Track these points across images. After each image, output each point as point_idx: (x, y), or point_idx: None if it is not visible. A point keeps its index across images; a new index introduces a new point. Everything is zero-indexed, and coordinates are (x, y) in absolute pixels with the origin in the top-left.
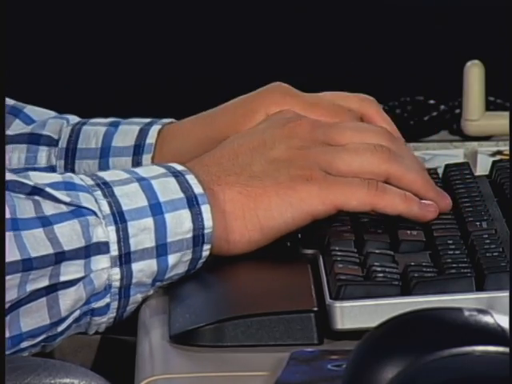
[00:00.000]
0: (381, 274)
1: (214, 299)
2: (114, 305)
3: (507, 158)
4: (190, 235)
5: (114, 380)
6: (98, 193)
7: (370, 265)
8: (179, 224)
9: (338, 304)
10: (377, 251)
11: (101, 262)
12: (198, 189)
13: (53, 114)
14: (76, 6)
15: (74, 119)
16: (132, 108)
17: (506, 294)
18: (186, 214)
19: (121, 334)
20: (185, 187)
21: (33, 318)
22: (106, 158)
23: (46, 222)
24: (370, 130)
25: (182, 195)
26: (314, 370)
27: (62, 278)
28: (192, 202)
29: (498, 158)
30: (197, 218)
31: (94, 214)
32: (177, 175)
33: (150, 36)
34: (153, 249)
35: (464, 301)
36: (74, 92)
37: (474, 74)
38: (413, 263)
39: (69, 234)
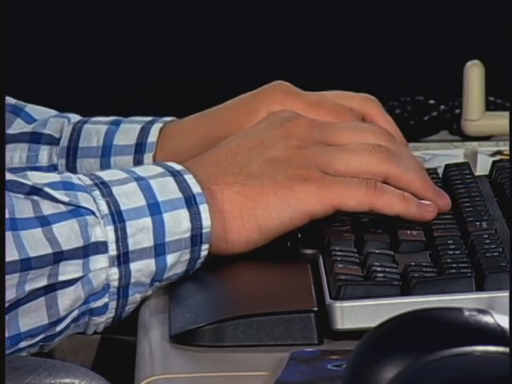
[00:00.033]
0: (381, 274)
1: (214, 299)
2: (113, 305)
3: (507, 157)
4: (188, 235)
5: (114, 380)
6: (97, 192)
7: (369, 265)
8: (177, 224)
9: (338, 304)
10: (377, 251)
11: (99, 262)
12: (196, 188)
13: (54, 112)
14: (77, 5)
15: (75, 118)
16: (132, 107)
17: (506, 294)
18: (184, 214)
19: (121, 334)
20: (183, 187)
21: (31, 317)
22: (107, 156)
23: (44, 221)
24: (368, 130)
25: (180, 195)
26: (313, 370)
27: (61, 278)
28: (190, 202)
29: (498, 157)
30: (195, 217)
31: (93, 213)
32: (175, 175)
33: (151, 35)
34: (151, 248)
35: (464, 301)
36: (75, 91)
37: (474, 74)
38: (413, 263)
39: (67, 234)
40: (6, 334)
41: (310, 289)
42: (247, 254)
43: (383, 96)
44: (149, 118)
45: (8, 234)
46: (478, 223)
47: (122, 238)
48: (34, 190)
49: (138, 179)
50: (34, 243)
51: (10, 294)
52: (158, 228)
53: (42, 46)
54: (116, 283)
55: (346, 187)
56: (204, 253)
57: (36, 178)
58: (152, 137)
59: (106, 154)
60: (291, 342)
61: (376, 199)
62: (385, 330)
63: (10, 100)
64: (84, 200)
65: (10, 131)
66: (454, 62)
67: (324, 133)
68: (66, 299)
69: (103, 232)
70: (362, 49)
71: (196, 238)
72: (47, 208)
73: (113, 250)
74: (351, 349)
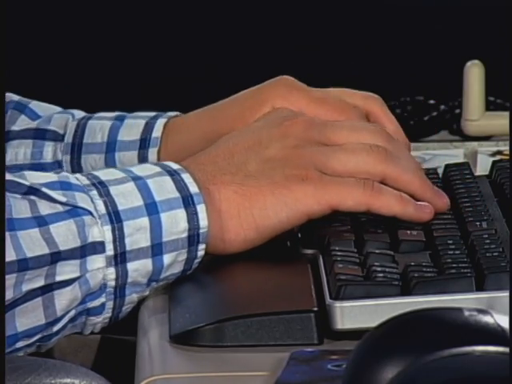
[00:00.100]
0: (381, 274)
1: (214, 299)
2: (110, 304)
3: (507, 157)
4: (185, 235)
5: (114, 380)
6: (94, 192)
7: (370, 265)
8: (175, 224)
9: (338, 304)
10: (377, 251)
11: (96, 262)
12: (193, 188)
13: (58, 109)
14: (83, 4)
15: (79, 114)
16: (136, 104)
17: (506, 294)
18: (181, 214)
19: (121, 334)
20: (180, 186)
21: (28, 317)
22: (111, 152)
23: (41, 221)
24: (366, 130)
25: (177, 194)
26: (314, 370)
27: (58, 278)
28: (188, 202)
29: (498, 157)
30: (192, 217)
31: (90, 213)
32: (172, 174)
33: (153, 32)
34: (148, 248)
35: (464, 301)
36: (78, 90)
37: (474, 74)
38: (413, 263)
39: (64, 234)
40: None
41: (310, 289)
42: (247, 254)
43: (383, 96)
44: (153, 114)
45: (5, 235)
46: (478, 223)
47: (119, 237)
48: (32, 190)
49: (136, 179)
50: (31, 243)
51: (8, 295)
52: (156, 228)
53: (46, 45)
54: (113, 283)
55: (343, 187)
56: (201, 253)
57: (33, 177)
58: (156, 132)
59: (110, 149)
60: (291, 342)
61: (373, 200)
62: (385, 330)
63: (13, 97)
64: (81, 200)
65: (14, 128)
66: (454, 62)
67: (322, 132)
68: (62, 299)
69: (100, 232)
70: (362, 49)
71: (193, 238)
72: (44, 208)
73: (110, 250)
74: (351, 349)
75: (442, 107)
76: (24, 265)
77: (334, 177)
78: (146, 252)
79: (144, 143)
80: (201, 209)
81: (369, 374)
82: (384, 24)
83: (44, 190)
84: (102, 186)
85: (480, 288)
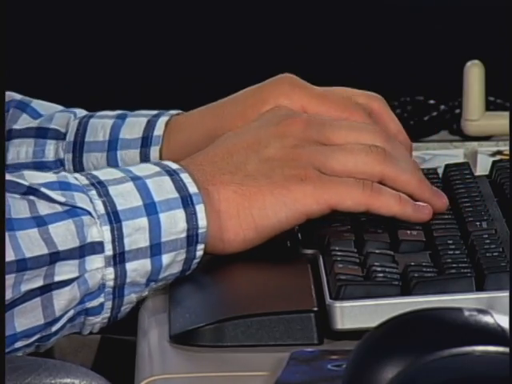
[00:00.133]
0: (381, 274)
1: (214, 299)
2: (108, 305)
3: (507, 157)
4: (184, 235)
5: (114, 380)
6: (93, 192)
7: (370, 265)
8: (174, 224)
9: (338, 304)
10: (377, 251)
11: (95, 262)
12: (192, 188)
13: (60, 107)
14: (84, 4)
15: (81, 112)
16: (137, 104)
17: (506, 294)
18: (180, 214)
19: (121, 334)
20: (179, 186)
21: (27, 317)
22: (113, 150)
23: (40, 221)
24: (364, 129)
25: (176, 195)
26: (314, 370)
27: (57, 278)
28: (186, 202)
29: (498, 157)
30: (191, 217)
31: (89, 213)
32: (171, 174)
33: (154, 32)
34: (147, 248)
35: (464, 301)
36: (78, 90)
37: (474, 74)
38: (413, 263)
39: (63, 234)
40: None
41: (310, 289)
42: (247, 254)
43: (383, 96)
44: (155, 112)
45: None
46: (478, 223)
47: (118, 238)
48: (31, 190)
49: (135, 179)
50: (30, 243)
51: (6, 295)
52: (155, 228)
53: (47, 44)
54: (111, 283)
55: (343, 187)
56: (200, 253)
57: (32, 177)
58: (158, 130)
59: (112, 148)
60: (291, 342)
61: (372, 200)
62: (385, 330)
63: (15, 96)
64: (80, 200)
65: (16, 126)
66: (454, 61)
67: (320, 132)
68: (61, 299)
69: (99, 232)
70: (362, 49)
71: (192, 238)
72: (43, 208)
73: (109, 250)
74: (351, 349)
75: (442, 107)
76: (23, 265)
77: (334, 177)
78: (145, 252)
79: (146, 141)
80: (200, 209)
81: (369, 374)
82: (384, 24)
83: (43, 190)
84: (101, 186)
85: (480, 288)
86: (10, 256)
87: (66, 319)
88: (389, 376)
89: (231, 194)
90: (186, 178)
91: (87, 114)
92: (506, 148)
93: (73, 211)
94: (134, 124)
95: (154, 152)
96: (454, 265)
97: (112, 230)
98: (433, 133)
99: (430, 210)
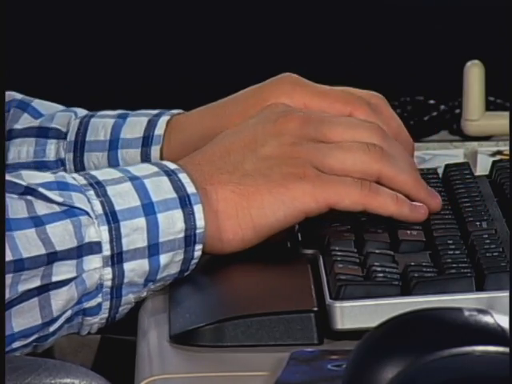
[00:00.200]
0: (381, 274)
1: (214, 299)
2: (106, 305)
3: (507, 157)
4: (181, 235)
5: (114, 380)
6: (91, 192)
7: (370, 265)
8: (171, 224)
9: (338, 304)
10: (377, 251)
11: (93, 262)
12: (190, 188)
13: (61, 107)
14: (81, 5)
15: (82, 112)
16: (137, 104)
17: (506, 294)
18: (178, 214)
19: (121, 334)
20: (177, 186)
21: (25, 318)
22: (114, 150)
23: (38, 222)
24: (361, 127)
25: (174, 195)
26: (313, 370)
27: (54, 279)
28: (184, 202)
29: (498, 157)
30: (189, 218)
31: (87, 214)
32: (169, 174)
33: (154, 33)
34: (145, 249)
35: (464, 301)
36: (78, 90)
37: (474, 74)
38: (413, 263)
39: (61, 234)
40: None
41: (310, 289)
42: (247, 254)
43: (383, 96)
44: (156, 111)
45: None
46: (478, 223)
47: (116, 238)
48: (28, 190)
49: (133, 179)
50: (28, 244)
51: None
52: (152, 228)
53: (48, 44)
54: (109, 283)
55: (341, 186)
56: (198, 253)
57: (30, 177)
58: (159, 129)
59: (113, 147)
60: (291, 342)
61: (370, 200)
62: (385, 330)
63: (16, 95)
64: (78, 200)
65: (17, 126)
66: (454, 62)
67: (318, 129)
68: (59, 299)
69: (97, 232)
70: (362, 49)
71: (190, 239)
72: (41, 208)
73: (107, 250)
74: (351, 349)
75: (442, 107)
76: (20, 265)
77: (332, 176)
78: (143, 252)
79: (147, 141)
80: (198, 209)
81: (369, 374)
82: (384, 24)
83: (41, 190)
84: (99, 186)
85: (480, 288)
86: (7, 256)
87: (64, 319)
88: (389, 376)
89: (229, 194)
90: (184, 178)
91: (88, 113)
92: (506, 148)
93: (71, 211)
94: (135, 123)
95: (155, 151)
96: (454, 265)
97: (110, 230)
98: (433, 133)
99: (426, 209)
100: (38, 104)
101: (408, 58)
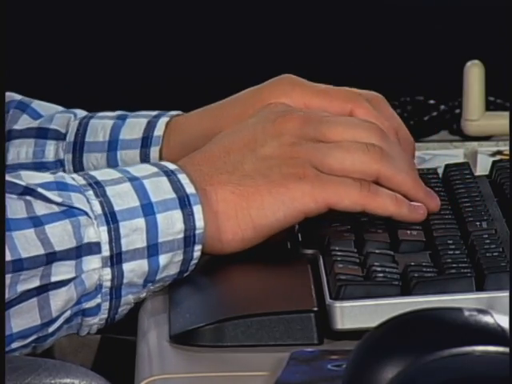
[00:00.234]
0: (381, 274)
1: (214, 299)
2: (105, 305)
3: (507, 157)
4: (181, 236)
5: (114, 380)
6: (90, 193)
7: (370, 265)
8: (171, 225)
9: (338, 304)
10: (377, 251)
11: (92, 263)
12: (190, 189)
13: (60, 108)
14: (81, 5)
15: (81, 113)
16: (137, 105)
17: (506, 294)
18: (177, 215)
19: (121, 334)
20: (177, 187)
21: (23, 318)
22: (113, 151)
23: (37, 222)
24: (361, 127)
25: (174, 195)
26: (314, 370)
27: (53, 279)
28: (184, 203)
29: (498, 157)
30: (188, 218)
31: (86, 214)
32: (169, 174)
33: (153, 33)
34: (144, 249)
35: (464, 301)
36: (78, 91)
37: (474, 74)
38: (413, 263)
39: (60, 235)
40: None
41: (310, 289)
42: (247, 254)
43: (383, 96)
44: (155, 112)
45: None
46: (478, 223)
47: (115, 238)
48: (27, 191)
49: (132, 179)
50: (27, 244)
51: None
52: (152, 229)
53: (48, 45)
54: (108, 283)
55: (341, 187)
56: (197, 254)
57: (29, 178)
58: (158, 130)
59: (112, 148)
60: (291, 342)
61: (369, 200)
62: (385, 330)
63: (16, 96)
64: (77, 200)
65: (16, 127)
66: (454, 62)
67: (317, 129)
68: (58, 300)
69: (96, 233)
70: (362, 49)
71: (189, 239)
72: (40, 208)
73: (106, 251)
74: (351, 349)
75: (442, 107)
76: (19, 265)
77: (332, 176)
78: (142, 253)
79: (146, 142)
80: (197, 210)
81: (369, 374)
82: (384, 24)
83: (40, 190)
84: (98, 187)
85: (480, 288)
86: (6, 256)
87: (63, 320)
88: (389, 376)
89: (229, 195)
90: (183, 178)
91: (87, 114)
92: (506, 148)
93: (70, 211)
94: (135, 124)
95: (154, 152)
96: (454, 265)
97: (109, 231)
98: (433, 133)
99: (425, 210)
100: (38, 105)
101: (408, 58)
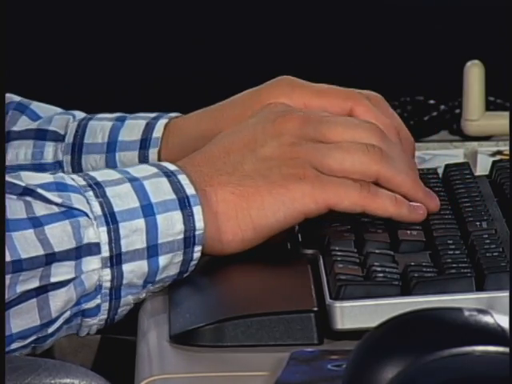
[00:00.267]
0: (381, 274)
1: (214, 299)
2: (105, 306)
3: (507, 157)
4: (181, 236)
5: (114, 380)
6: (90, 193)
7: (370, 265)
8: (171, 225)
9: (338, 304)
10: (377, 251)
11: (92, 263)
12: (189, 189)
13: (59, 110)
14: (80, 5)
15: (80, 115)
16: (135, 106)
17: (506, 294)
18: (177, 216)
19: (121, 334)
20: (177, 188)
21: (23, 319)
22: (112, 152)
23: (36, 222)
24: (361, 127)
25: (173, 196)
26: (314, 370)
27: (53, 279)
28: (184, 204)
29: (498, 157)
30: (188, 219)
31: (86, 215)
32: (169, 175)
33: (152, 33)
34: (144, 250)
35: (464, 301)
36: (77, 92)
37: (474, 74)
38: (413, 263)
39: (60, 235)
40: None
41: (310, 289)
42: (247, 254)
43: (383, 96)
44: (154, 114)
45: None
46: (478, 223)
47: (114, 239)
48: (27, 191)
49: (132, 180)
50: (26, 244)
51: None
52: (151, 230)
53: (47, 46)
54: (108, 284)
55: (341, 188)
56: (197, 254)
57: (29, 178)
58: (157, 132)
59: (111, 149)
60: (291, 342)
61: (369, 201)
62: (385, 330)
63: (14, 98)
64: (77, 201)
65: (15, 128)
66: (454, 62)
67: (317, 129)
68: (57, 300)
69: (96, 233)
70: (362, 49)
71: (189, 240)
72: (40, 209)
73: (105, 252)
74: (351, 349)
75: (442, 107)
76: (18, 266)
77: (332, 177)
78: (142, 253)
79: (145, 143)
80: (197, 210)
81: (369, 374)
82: (384, 24)
83: (39, 190)
84: (98, 187)
85: (480, 288)
86: (5, 257)
87: (63, 320)
88: (389, 376)
89: (229, 195)
90: (183, 179)
91: (86, 116)
92: (506, 148)
93: (69, 212)
94: (133, 126)
95: (153, 154)
96: (454, 265)
97: (109, 232)
98: (433, 133)
99: (425, 210)
100: (36, 106)
101: (408, 58)
